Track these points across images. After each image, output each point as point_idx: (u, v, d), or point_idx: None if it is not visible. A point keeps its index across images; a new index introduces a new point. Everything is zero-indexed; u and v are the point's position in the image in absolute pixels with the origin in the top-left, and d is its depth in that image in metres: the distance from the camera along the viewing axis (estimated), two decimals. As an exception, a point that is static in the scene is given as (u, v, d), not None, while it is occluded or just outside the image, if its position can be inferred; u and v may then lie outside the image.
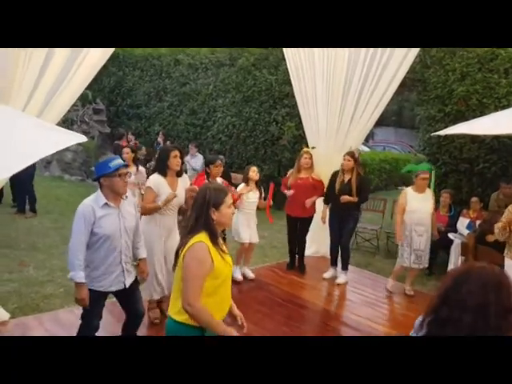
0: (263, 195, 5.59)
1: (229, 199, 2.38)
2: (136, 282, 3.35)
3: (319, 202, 5.91)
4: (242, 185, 5.47)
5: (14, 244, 6.34)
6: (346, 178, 5.55)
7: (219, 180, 4.94)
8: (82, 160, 12.23)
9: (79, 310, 4.32)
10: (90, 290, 3.07)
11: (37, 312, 4.30)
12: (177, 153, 3.96)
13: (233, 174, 8.50)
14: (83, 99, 12.31)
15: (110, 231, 3.02)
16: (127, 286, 3.23)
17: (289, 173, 6.04)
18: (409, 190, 5.40)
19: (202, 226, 2.31)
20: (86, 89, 12.23)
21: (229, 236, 5.53)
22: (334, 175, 5.69)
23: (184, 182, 4.18)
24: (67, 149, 12.12)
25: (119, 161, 3.06)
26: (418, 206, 5.28)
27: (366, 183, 5.84)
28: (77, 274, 2.95)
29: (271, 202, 5.57)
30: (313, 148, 6.16)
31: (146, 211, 3.94)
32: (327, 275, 5.87)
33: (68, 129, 12.29)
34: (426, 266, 5.57)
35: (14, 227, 7.16)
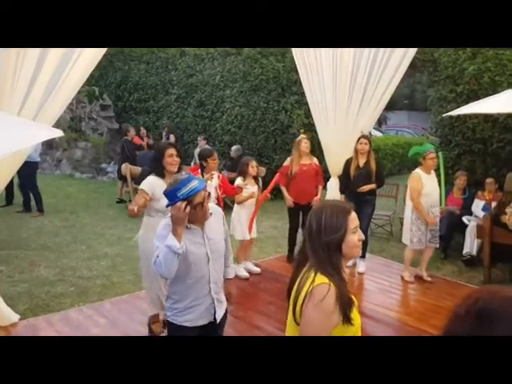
0: (261, 189, 5.40)
1: (352, 221, 1.78)
2: (225, 317, 2.78)
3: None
4: (238, 179, 5.27)
5: (25, 244, 6.35)
6: (361, 162, 5.46)
7: (216, 174, 4.81)
8: (92, 157, 12.28)
9: (89, 310, 4.39)
10: (172, 324, 2.60)
11: (47, 312, 4.28)
12: (172, 151, 3.57)
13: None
14: (90, 95, 12.31)
15: (195, 257, 2.50)
16: (218, 321, 2.67)
17: (285, 162, 5.85)
18: (421, 173, 5.19)
19: (322, 261, 1.74)
20: (93, 85, 12.38)
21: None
22: (348, 162, 5.58)
23: None
24: (76, 146, 12.19)
25: (190, 186, 2.38)
26: (431, 187, 5.17)
27: (382, 166, 5.76)
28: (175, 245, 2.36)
29: (268, 195, 5.38)
30: (309, 133, 6.10)
31: (131, 213, 3.52)
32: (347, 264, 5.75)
33: (76, 126, 12.47)
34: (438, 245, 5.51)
35: (25, 227, 7.18)
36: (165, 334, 3.80)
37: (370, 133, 5.88)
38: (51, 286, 4.95)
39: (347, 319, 1.69)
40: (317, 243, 1.75)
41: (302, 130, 6.12)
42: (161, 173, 3.56)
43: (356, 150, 5.47)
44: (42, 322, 3.99)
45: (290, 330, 1.80)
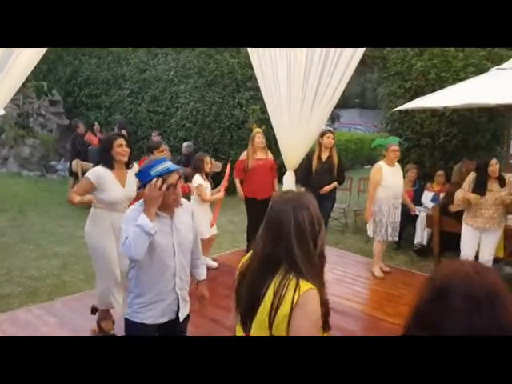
0: (212, 184, 5.37)
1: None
2: (188, 318, 2.62)
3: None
4: (197, 176, 5.16)
5: (-31, 244, 6.04)
6: (324, 156, 5.53)
7: None
8: (41, 154, 11.80)
9: (37, 310, 4.22)
10: (130, 321, 2.44)
11: (-7, 313, 4.09)
12: (121, 141, 3.46)
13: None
14: (38, 91, 11.83)
15: (161, 247, 2.36)
16: (181, 319, 2.52)
17: (241, 156, 5.87)
18: (383, 165, 5.25)
19: (314, 265, 1.56)
20: (41, 80, 11.90)
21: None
22: (309, 156, 5.62)
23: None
24: (24, 143, 11.68)
25: (165, 165, 2.33)
26: (393, 179, 5.21)
27: (343, 162, 5.87)
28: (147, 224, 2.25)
29: (226, 184, 5.36)
30: (263, 128, 6.11)
31: (69, 199, 3.33)
32: None
33: (24, 122, 11.91)
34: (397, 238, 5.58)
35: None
36: (114, 331, 3.71)
37: (333, 128, 5.99)
38: (-3, 286, 4.74)
39: (328, 326, 1.59)
40: (309, 245, 1.54)
41: (254, 125, 6.12)
42: (109, 163, 3.45)
43: (320, 144, 5.54)
44: (-13, 323, 3.80)
45: (262, 323, 1.57)
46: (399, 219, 5.36)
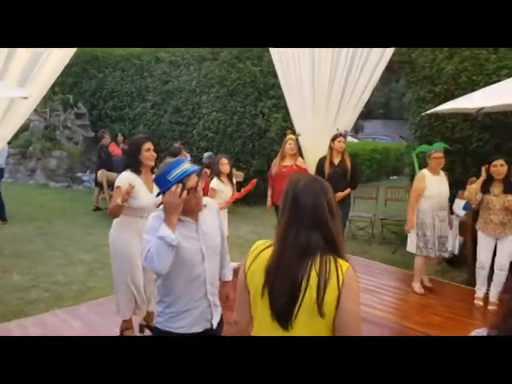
0: (234, 188, 5.27)
1: None
2: (222, 324, 2.47)
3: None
4: (214, 180, 5.07)
5: (-4, 252, 6.09)
6: (336, 160, 5.37)
7: None
8: (67, 166, 12.01)
9: (64, 313, 4.21)
10: (163, 331, 2.31)
11: (20, 317, 4.09)
12: (150, 145, 3.37)
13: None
14: (64, 104, 12.05)
15: (189, 254, 2.21)
16: (214, 327, 2.37)
17: (273, 163, 5.80)
18: (426, 173, 4.94)
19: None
20: (67, 93, 12.12)
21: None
22: (321, 161, 5.47)
23: None
24: (51, 155, 11.89)
25: (182, 168, 2.17)
26: (438, 189, 4.86)
27: (358, 166, 5.69)
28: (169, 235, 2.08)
29: (240, 196, 5.22)
30: (298, 135, 5.95)
31: (111, 212, 3.36)
32: None
33: (50, 135, 12.15)
34: (447, 255, 5.17)
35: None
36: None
37: (347, 131, 5.77)
38: (24, 292, 4.75)
39: None
40: (337, 222, 1.57)
41: (288, 131, 5.97)
42: (137, 168, 3.35)
43: (331, 148, 5.36)
44: (15, 327, 3.80)
45: (310, 329, 1.52)
46: (447, 233, 4.99)
